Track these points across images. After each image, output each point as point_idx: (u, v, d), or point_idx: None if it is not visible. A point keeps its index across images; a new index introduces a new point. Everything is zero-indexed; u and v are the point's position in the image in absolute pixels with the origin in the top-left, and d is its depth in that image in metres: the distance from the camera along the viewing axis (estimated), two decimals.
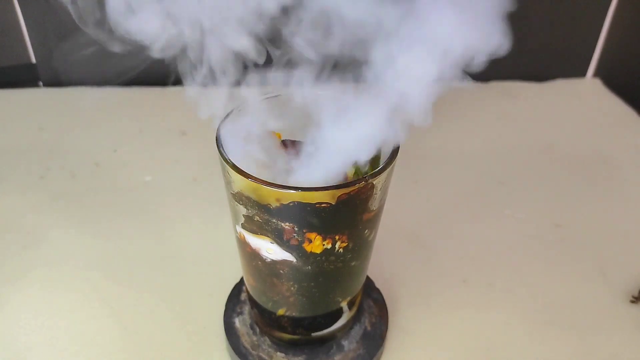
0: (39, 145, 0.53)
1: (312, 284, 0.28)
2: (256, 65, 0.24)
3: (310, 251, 0.25)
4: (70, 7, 0.22)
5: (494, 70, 0.67)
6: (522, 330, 0.36)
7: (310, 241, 0.25)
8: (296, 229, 0.24)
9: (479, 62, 0.21)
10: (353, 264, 0.28)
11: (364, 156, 0.25)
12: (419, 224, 0.45)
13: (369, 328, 0.34)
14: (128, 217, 0.45)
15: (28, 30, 0.59)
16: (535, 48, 0.66)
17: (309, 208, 0.23)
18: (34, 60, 0.62)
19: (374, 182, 0.24)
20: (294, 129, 0.29)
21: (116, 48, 0.22)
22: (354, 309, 0.33)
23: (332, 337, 0.33)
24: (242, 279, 0.37)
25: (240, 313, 0.35)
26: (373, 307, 0.36)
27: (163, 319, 0.36)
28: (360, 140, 0.24)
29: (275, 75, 0.24)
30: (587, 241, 0.44)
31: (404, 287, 0.39)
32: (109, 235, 0.43)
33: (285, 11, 0.23)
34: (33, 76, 0.63)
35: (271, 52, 0.24)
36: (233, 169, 0.24)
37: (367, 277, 0.37)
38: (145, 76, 0.63)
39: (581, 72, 0.69)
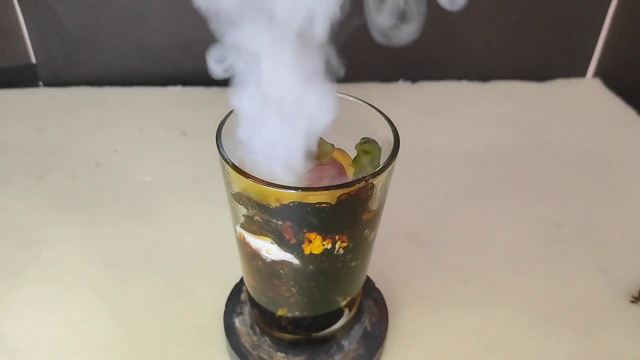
0: (39, 145, 0.53)
1: (312, 284, 0.28)
2: None
3: (310, 251, 0.25)
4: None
5: (494, 70, 0.67)
6: (522, 330, 0.36)
7: (310, 241, 0.25)
8: (296, 229, 0.24)
9: None
10: (353, 264, 0.28)
11: None
12: (419, 224, 0.45)
13: (369, 328, 0.34)
14: (128, 217, 0.45)
15: (28, 30, 0.59)
16: (535, 48, 0.66)
17: (308, 208, 0.23)
18: (34, 60, 0.62)
19: (374, 182, 0.24)
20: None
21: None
22: (354, 309, 0.33)
23: (332, 337, 0.33)
24: (242, 279, 0.37)
25: (240, 313, 0.35)
26: (373, 307, 0.36)
27: (163, 319, 0.36)
28: None
29: None
30: (587, 241, 0.44)
31: (404, 287, 0.39)
32: (108, 235, 0.43)
33: None
34: (33, 76, 0.63)
35: None
36: (233, 169, 0.24)
37: (367, 277, 0.37)
38: (147, 76, 0.63)
39: (581, 72, 0.69)
